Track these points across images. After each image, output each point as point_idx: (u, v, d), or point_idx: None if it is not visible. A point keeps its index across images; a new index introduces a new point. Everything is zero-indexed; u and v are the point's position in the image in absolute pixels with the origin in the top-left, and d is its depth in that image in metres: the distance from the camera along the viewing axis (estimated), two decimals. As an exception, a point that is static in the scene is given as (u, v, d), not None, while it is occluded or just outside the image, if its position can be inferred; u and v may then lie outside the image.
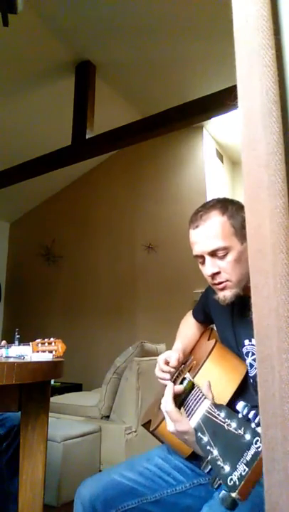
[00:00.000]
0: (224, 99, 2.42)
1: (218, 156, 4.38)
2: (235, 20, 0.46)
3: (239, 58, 0.45)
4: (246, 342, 0.96)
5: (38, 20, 2.76)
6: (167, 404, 0.82)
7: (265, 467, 0.38)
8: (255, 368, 0.77)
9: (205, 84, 2.82)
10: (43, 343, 1.42)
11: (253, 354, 0.94)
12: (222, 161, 4.48)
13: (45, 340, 1.43)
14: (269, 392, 0.38)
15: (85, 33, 2.94)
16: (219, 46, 2.73)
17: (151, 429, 1.03)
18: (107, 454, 2.30)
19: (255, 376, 0.72)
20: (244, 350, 0.97)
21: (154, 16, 2.69)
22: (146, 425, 1.12)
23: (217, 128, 4.11)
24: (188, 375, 0.86)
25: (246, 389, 0.92)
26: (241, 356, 0.98)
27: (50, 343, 1.42)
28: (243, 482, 0.53)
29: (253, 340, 0.49)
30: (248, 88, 0.43)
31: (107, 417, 2.46)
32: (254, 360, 0.93)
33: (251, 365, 0.94)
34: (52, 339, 1.43)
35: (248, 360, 0.95)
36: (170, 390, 0.84)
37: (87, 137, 3.11)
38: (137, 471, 0.99)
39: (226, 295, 0.93)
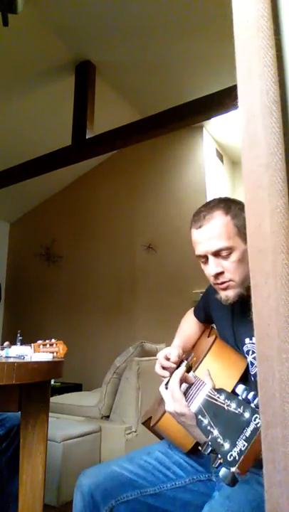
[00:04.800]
0: (224, 99, 2.42)
1: (218, 156, 4.38)
2: (236, 20, 0.46)
3: (239, 58, 0.45)
4: (247, 340, 0.96)
5: (38, 20, 2.76)
6: (173, 382, 0.84)
7: (266, 467, 0.38)
8: (256, 367, 0.77)
9: (205, 84, 2.82)
10: (44, 345, 1.42)
11: (253, 352, 0.95)
12: (222, 161, 4.48)
13: (47, 341, 1.43)
14: (269, 392, 0.38)
15: (85, 33, 2.94)
16: (219, 46, 2.73)
17: (151, 425, 1.03)
18: (107, 454, 2.29)
19: (256, 374, 0.72)
20: (245, 348, 0.97)
21: (154, 15, 2.69)
22: (147, 423, 1.13)
23: (217, 128, 4.11)
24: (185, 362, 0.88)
25: (247, 384, 0.92)
26: (242, 355, 0.98)
27: (51, 345, 1.42)
28: (242, 457, 0.54)
29: (253, 338, 0.50)
30: (248, 88, 0.43)
31: (107, 417, 2.46)
32: (254, 358, 0.93)
33: (252, 364, 0.94)
34: (53, 340, 1.43)
35: (249, 358, 0.95)
36: (182, 370, 0.86)
37: (87, 137, 3.11)
38: (137, 464, 0.99)
39: (228, 295, 0.93)
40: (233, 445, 0.55)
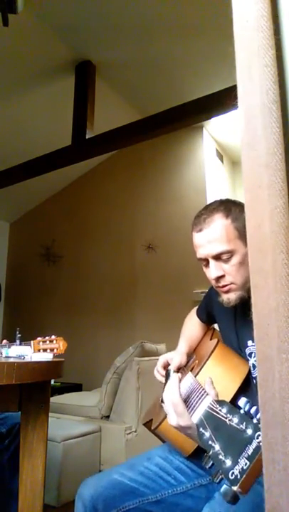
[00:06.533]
0: (224, 99, 2.42)
1: (218, 156, 4.38)
2: (235, 20, 0.46)
3: (239, 58, 0.45)
4: (249, 343, 0.96)
5: (38, 20, 2.76)
6: (174, 395, 0.82)
7: (265, 467, 0.38)
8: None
9: (205, 84, 2.82)
10: (44, 341, 1.42)
11: (255, 355, 0.94)
12: (222, 161, 4.48)
13: (47, 338, 1.43)
14: (269, 392, 0.38)
15: (85, 33, 2.94)
16: (219, 46, 2.73)
17: (152, 428, 1.03)
18: (107, 454, 2.30)
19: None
20: (247, 351, 0.97)
21: (154, 15, 2.69)
22: (148, 424, 1.12)
23: (217, 128, 4.10)
24: (191, 372, 0.87)
25: (249, 389, 0.91)
26: (244, 357, 0.98)
27: (51, 341, 1.42)
28: (244, 476, 0.53)
29: None
30: (248, 88, 0.43)
31: (107, 417, 2.46)
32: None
33: (254, 366, 0.93)
34: (53, 337, 1.43)
35: (251, 361, 0.95)
36: (176, 381, 0.84)
37: (87, 137, 3.11)
38: (138, 471, 0.98)
39: (230, 298, 0.93)
40: (235, 463, 0.54)
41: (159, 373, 1.10)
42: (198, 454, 0.92)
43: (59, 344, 1.40)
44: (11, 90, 3.30)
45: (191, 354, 1.18)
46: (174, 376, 0.86)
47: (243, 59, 0.44)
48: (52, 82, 3.37)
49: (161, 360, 1.10)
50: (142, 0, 2.58)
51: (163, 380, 1.08)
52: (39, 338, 1.43)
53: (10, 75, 3.14)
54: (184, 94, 2.87)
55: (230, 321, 1.04)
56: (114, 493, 0.94)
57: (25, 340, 1.45)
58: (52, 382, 2.69)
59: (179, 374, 0.89)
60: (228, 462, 0.55)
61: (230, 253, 0.91)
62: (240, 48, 0.45)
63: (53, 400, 2.65)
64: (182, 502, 0.95)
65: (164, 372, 1.08)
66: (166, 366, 1.10)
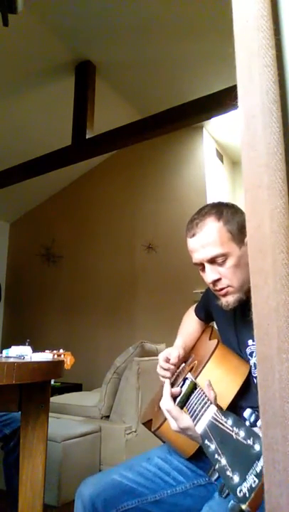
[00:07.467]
0: (224, 99, 2.42)
1: (218, 156, 4.38)
2: (236, 20, 0.46)
3: (239, 58, 0.45)
4: (250, 342, 0.96)
5: (38, 20, 2.76)
6: (166, 402, 0.83)
7: (266, 467, 0.38)
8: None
9: (205, 84, 2.82)
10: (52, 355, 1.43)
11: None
12: (222, 161, 4.48)
13: (55, 351, 1.43)
14: (269, 392, 0.38)
15: (85, 33, 2.94)
16: (219, 46, 2.73)
17: (153, 430, 1.03)
18: (107, 454, 2.29)
19: None
20: (248, 350, 0.96)
21: (154, 15, 2.69)
22: (147, 424, 1.12)
23: (217, 128, 4.11)
24: (189, 375, 0.86)
25: (249, 389, 0.91)
26: (244, 357, 0.97)
27: (59, 355, 1.42)
28: (253, 494, 0.51)
29: None
30: (248, 88, 0.43)
31: (107, 417, 2.46)
32: None
33: (256, 366, 0.93)
34: (61, 351, 1.43)
35: (252, 360, 0.95)
36: (167, 388, 0.85)
37: (87, 137, 3.11)
38: (137, 472, 0.99)
39: (228, 300, 0.93)
40: (243, 479, 0.53)
41: (162, 369, 1.08)
42: (198, 455, 0.92)
43: (66, 359, 1.40)
44: (11, 90, 3.30)
45: (190, 352, 1.17)
46: (166, 383, 0.87)
47: (243, 59, 0.44)
48: (52, 82, 3.37)
49: (161, 357, 1.09)
50: (141, 0, 2.59)
51: (167, 374, 1.07)
52: (47, 351, 1.44)
53: (10, 75, 3.14)
54: (183, 94, 2.87)
55: (230, 322, 1.03)
56: (113, 493, 0.94)
57: (34, 351, 1.44)
58: (52, 382, 2.69)
59: (169, 382, 0.89)
60: (236, 478, 0.54)
61: (225, 256, 0.91)
62: (240, 47, 0.45)
63: (53, 399, 2.65)
64: (181, 502, 0.95)
65: (167, 365, 1.06)
66: (167, 361, 1.09)
